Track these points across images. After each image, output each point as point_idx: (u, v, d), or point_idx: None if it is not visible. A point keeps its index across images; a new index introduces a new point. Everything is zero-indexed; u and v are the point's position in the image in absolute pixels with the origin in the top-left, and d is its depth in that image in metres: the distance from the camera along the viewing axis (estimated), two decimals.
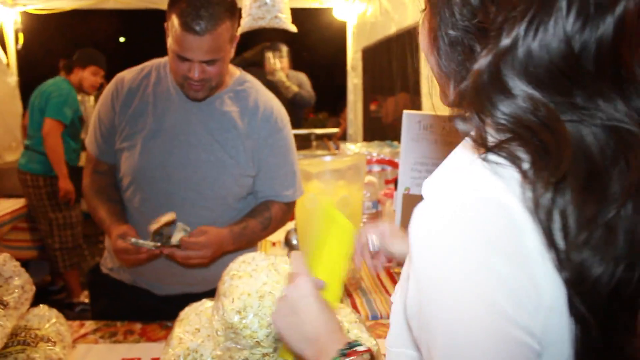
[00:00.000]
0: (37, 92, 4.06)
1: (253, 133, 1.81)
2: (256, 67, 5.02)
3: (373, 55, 4.71)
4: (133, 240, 1.64)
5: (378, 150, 3.01)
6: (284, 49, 4.97)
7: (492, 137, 0.64)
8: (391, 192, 2.65)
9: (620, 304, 0.59)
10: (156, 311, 1.79)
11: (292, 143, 1.95)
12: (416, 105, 3.54)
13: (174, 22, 1.59)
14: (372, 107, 5.30)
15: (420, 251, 0.62)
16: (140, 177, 1.79)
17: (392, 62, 4.10)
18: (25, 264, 4.04)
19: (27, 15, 5.21)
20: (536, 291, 0.58)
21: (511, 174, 0.61)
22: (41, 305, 1.34)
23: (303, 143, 5.01)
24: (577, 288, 0.58)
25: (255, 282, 1.08)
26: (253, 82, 1.91)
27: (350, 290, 2.00)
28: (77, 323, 1.80)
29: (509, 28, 0.59)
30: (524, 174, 0.60)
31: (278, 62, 4.94)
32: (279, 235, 2.69)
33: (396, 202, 2.16)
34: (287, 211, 1.97)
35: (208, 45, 1.60)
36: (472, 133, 0.66)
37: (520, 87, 0.60)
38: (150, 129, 1.77)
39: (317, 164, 2.12)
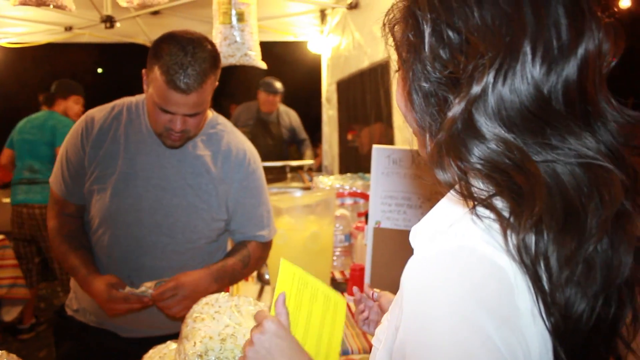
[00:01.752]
0: (30, 127, 4.12)
1: (227, 177, 1.81)
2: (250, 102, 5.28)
3: (347, 87, 4.77)
4: (129, 290, 1.65)
5: (350, 183, 3.02)
6: (278, 85, 5.17)
7: (479, 188, 0.66)
8: (363, 226, 2.66)
9: (598, 341, 0.61)
10: (123, 353, 1.75)
11: (265, 183, 1.95)
12: (390, 136, 3.58)
13: (157, 75, 1.56)
14: (349, 136, 5.34)
15: (413, 304, 0.63)
16: (110, 220, 1.76)
17: (365, 94, 4.15)
18: None
19: (1, 49, 5.19)
20: (524, 354, 0.59)
21: (496, 230, 0.63)
22: (0, 351, 1.30)
23: (278, 175, 5.03)
24: (561, 331, 0.59)
25: (217, 324, 1.08)
26: (225, 125, 1.90)
27: None
28: None
29: (478, 76, 0.62)
30: (504, 223, 0.62)
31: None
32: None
33: (367, 236, 2.17)
34: (264, 250, 1.97)
35: (193, 102, 1.59)
36: (457, 186, 0.67)
37: (492, 130, 0.62)
38: (122, 171, 1.74)
39: (287, 199, 2.14)
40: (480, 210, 0.64)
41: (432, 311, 0.61)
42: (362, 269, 2.15)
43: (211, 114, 1.90)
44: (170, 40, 1.57)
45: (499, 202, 0.64)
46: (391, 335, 0.72)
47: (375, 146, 2.13)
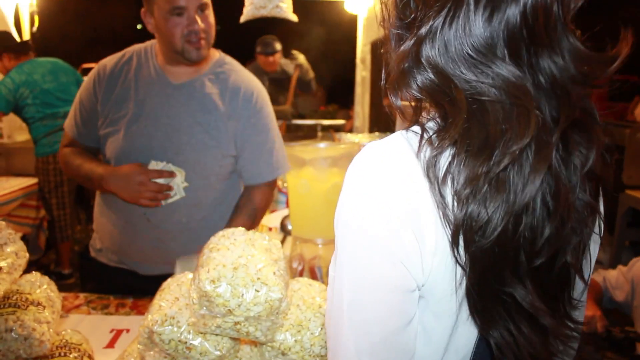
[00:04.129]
0: (41, 77, 4.12)
1: (235, 114, 1.87)
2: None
3: (381, 48, 4.73)
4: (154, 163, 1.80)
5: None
6: (276, 44, 5.08)
7: (424, 116, 0.77)
8: None
9: (502, 253, 0.69)
10: (142, 291, 1.85)
11: (273, 121, 2.00)
12: None
13: None
14: (386, 101, 5.30)
15: (342, 189, 0.76)
16: (124, 159, 1.84)
17: None
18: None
19: (44, 0, 5.28)
20: (421, 238, 0.70)
21: (417, 141, 0.73)
22: (33, 271, 1.40)
23: (309, 133, 5.08)
24: (464, 235, 0.69)
25: (231, 254, 1.14)
26: (232, 64, 1.96)
27: None
28: (72, 295, 1.88)
29: (427, 21, 0.72)
30: (424, 138, 0.72)
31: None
32: (275, 221, 2.76)
33: None
34: (270, 192, 2.03)
35: None
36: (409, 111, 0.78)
37: (433, 63, 0.72)
38: (133, 113, 1.83)
39: (310, 150, 2.17)
40: (413, 127, 0.76)
41: (349, 193, 0.74)
42: None
43: (218, 54, 1.97)
44: None
45: (432, 124, 0.75)
46: None
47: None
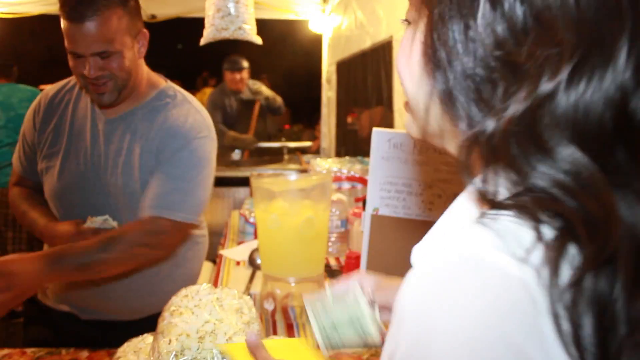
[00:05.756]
0: (19, 102, 4.05)
1: (159, 153, 1.64)
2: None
3: (347, 68, 4.65)
4: (90, 221, 1.62)
5: (349, 166, 2.92)
6: (244, 61, 4.98)
7: (503, 190, 0.51)
8: (360, 212, 2.57)
9: None
10: (84, 338, 1.67)
11: (202, 160, 1.68)
12: (389, 120, 3.47)
13: (62, 19, 1.50)
14: (349, 119, 5.23)
15: (413, 330, 0.48)
16: (57, 199, 1.69)
17: (366, 75, 4.04)
18: None
19: None
20: None
21: (523, 239, 0.47)
22: None
23: (275, 157, 4.94)
24: None
25: (196, 320, 0.98)
26: (174, 97, 1.72)
27: None
28: (17, 351, 1.68)
29: (551, 69, 0.46)
30: (548, 242, 0.46)
31: (258, 84, 5.04)
32: (243, 255, 2.59)
33: (364, 223, 2.07)
34: (156, 228, 1.59)
35: (94, 34, 1.46)
36: (479, 185, 0.51)
37: (563, 146, 0.46)
38: (66, 149, 1.67)
39: (281, 182, 2.03)
40: (502, 214, 0.49)
41: (434, 340, 0.46)
42: (358, 257, 2.06)
43: (163, 84, 1.75)
44: None
45: (542, 215, 0.47)
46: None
47: (375, 129, 2.02)
